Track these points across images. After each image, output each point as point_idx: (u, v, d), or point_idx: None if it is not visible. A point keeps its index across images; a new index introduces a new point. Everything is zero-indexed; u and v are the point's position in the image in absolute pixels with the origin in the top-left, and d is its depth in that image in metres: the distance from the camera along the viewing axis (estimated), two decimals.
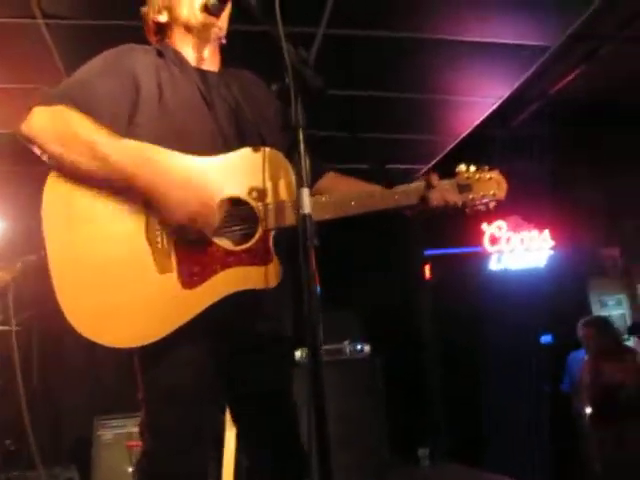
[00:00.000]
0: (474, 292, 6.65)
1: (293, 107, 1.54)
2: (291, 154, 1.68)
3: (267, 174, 1.75)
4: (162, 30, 2.01)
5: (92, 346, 1.57)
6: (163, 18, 1.98)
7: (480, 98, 4.96)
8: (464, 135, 5.54)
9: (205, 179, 1.69)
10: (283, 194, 1.74)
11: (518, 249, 7.08)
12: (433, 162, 6.08)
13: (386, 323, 5.97)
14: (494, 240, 7.06)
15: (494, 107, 5.09)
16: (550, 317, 6.55)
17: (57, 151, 1.63)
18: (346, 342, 5.07)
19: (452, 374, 6.29)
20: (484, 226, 7.02)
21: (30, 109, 1.67)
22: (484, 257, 7.12)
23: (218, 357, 1.73)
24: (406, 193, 1.90)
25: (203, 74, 1.93)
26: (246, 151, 1.77)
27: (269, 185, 1.75)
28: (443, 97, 4.94)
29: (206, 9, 1.90)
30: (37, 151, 1.67)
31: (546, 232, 7.13)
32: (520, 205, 6.71)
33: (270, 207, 1.73)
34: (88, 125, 1.65)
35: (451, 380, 6.28)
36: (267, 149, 1.79)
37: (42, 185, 1.67)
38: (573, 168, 6.51)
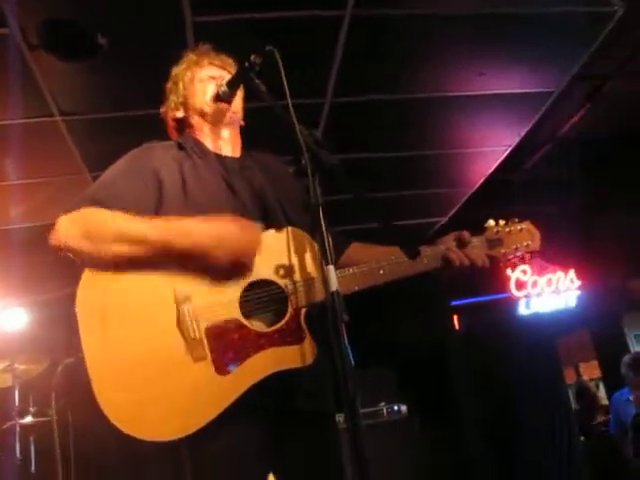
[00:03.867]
0: (505, 339, 6.56)
1: (311, 187, 1.58)
2: (313, 232, 1.71)
3: (292, 252, 1.76)
4: (182, 125, 2.07)
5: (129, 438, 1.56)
6: (180, 114, 2.05)
7: (491, 148, 5.04)
8: (479, 185, 5.59)
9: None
10: (310, 271, 1.73)
11: (546, 291, 7.00)
12: (450, 213, 6.11)
13: (419, 379, 5.90)
14: (520, 285, 7.00)
15: (505, 154, 5.15)
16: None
17: (89, 248, 1.66)
18: (382, 404, 5.00)
19: (490, 427, 6.14)
20: (508, 271, 6.97)
21: (56, 221, 1.72)
22: (512, 303, 7.04)
23: (261, 439, 1.70)
24: (434, 256, 1.88)
25: (224, 160, 1.96)
26: (270, 232, 1.79)
27: (295, 263, 1.75)
28: (456, 151, 5.04)
29: (218, 98, 1.97)
30: (72, 256, 1.69)
31: (571, 272, 7.06)
32: (542, 247, 6.67)
33: (298, 285, 1.73)
34: (112, 214, 1.69)
35: (490, 433, 6.13)
36: (290, 228, 1.80)
37: (59, 277, 1.71)
38: (592, 205, 6.50)
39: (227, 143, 2.02)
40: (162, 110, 2.11)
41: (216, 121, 2.00)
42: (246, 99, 2.08)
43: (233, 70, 2.02)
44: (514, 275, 6.97)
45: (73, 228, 1.69)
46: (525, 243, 1.93)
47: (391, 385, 5.37)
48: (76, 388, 3.97)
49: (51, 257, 1.77)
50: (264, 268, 1.74)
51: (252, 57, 1.76)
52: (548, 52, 3.88)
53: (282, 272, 1.74)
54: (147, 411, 1.58)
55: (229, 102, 1.98)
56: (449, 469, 5.61)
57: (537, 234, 1.97)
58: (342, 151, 4.63)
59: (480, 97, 4.27)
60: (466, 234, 1.90)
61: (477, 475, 6.09)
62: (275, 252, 1.76)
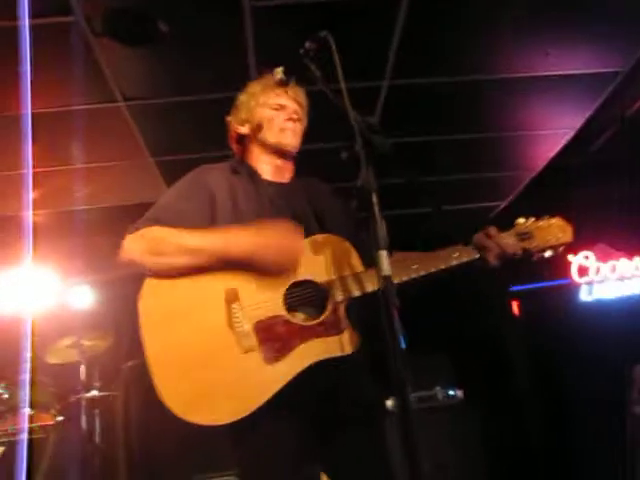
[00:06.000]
0: (566, 325, 6.41)
1: (364, 173, 1.59)
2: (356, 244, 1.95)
3: (332, 255, 1.94)
4: (243, 140, 2.22)
5: None
6: (244, 130, 2.19)
7: (554, 130, 4.92)
8: (541, 168, 5.47)
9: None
10: (348, 270, 1.91)
11: (609, 278, 6.80)
12: (510, 198, 6.01)
13: (477, 365, 5.84)
14: (582, 271, 6.81)
15: (570, 137, 5.02)
16: None
17: (153, 261, 1.85)
18: (437, 388, 4.99)
19: (551, 416, 6.04)
20: (570, 257, 6.80)
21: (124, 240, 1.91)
22: (573, 289, 6.86)
23: (303, 435, 1.81)
24: (465, 250, 2.02)
25: (274, 187, 2.12)
26: (311, 238, 1.96)
27: (334, 264, 1.92)
28: (518, 133, 4.95)
29: (284, 129, 2.12)
30: (140, 269, 1.88)
31: (637, 258, 6.83)
32: (606, 232, 6.49)
33: (337, 282, 1.89)
34: (170, 230, 1.88)
35: (549, 422, 6.03)
36: (329, 235, 1.98)
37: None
38: None
39: (279, 172, 2.17)
40: (228, 119, 2.25)
41: (276, 152, 2.15)
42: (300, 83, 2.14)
43: (304, 102, 2.18)
44: (576, 261, 6.80)
45: (135, 245, 1.88)
46: (557, 236, 2.04)
47: (448, 370, 5.34)
48: (139, 389, 4.17)
49: (114, 239, 1.91)
50: (306, 269, 1.91)
51: (307, 44, 1.79)
52: (614, 31, 3.73)
53: (322, 272, 1.91)
54: (202, 399, 1.74)
55: (286, 87, 2.07)
56: (504, 457, 5.55)
57: (568, 228, 2.06)
58: (400, 135, 4.61)
59: (544, 78, 4.15)
60: (494, 229, 2.03)
61: (532, 465, 6.01)
62: (316, 255, 1.94)
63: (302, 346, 1.81)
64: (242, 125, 2.19)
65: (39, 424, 4.12)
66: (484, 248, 2.00)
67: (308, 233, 1.98)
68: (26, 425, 4.02)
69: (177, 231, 1.88)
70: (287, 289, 1.87)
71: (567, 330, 6.32)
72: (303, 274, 1.90)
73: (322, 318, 1.85)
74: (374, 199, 1.58)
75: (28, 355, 4.04)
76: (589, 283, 6.80)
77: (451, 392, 4.94)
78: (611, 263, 6.80)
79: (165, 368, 1.76)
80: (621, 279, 6.79)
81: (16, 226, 5.07)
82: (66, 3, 3.06)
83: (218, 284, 1.85)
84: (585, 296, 6.85)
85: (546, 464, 6.04)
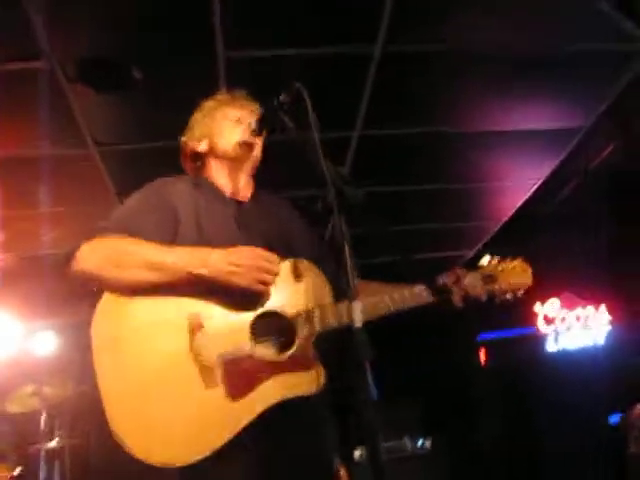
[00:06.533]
0: (533, 374, 6.46)
1: (337, 224, 1.60)
2: (320, 265, 1.88)
3: (302, 283, 1.85)
4: (198, 158, 2.13)
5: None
6: (202, 147, 2.10)
7: (520, 182, 5.04)
8: (507, 219, 5.58)
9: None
10: (318, 301, 1.82)
11: (575, 327, 6.88)
12: (478, 247, 6.09)
13: (444, 413, 5.83)
14: (549, 320, 6.89)
15: (534, 189, 5.14)
16: (616, 396, 6.27)
17: (112, 274, 1.70)
18: (406, 437, 4.95)
19: (518, 463, 6.02)
20: (537, 306, 6.89)
21: (77, 250, 1.75)
22: (540, 338, 6.94)
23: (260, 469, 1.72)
24: (435, 289, 2.00)
25: (237, 203, 2.04)
26: (284, 265, 1.85)
27: (304, 294, 1.83)
28: (484, 184, 5.06)
29: (244, 143, 2.03)
30: (94, 283, 1.74)
31: (602, 307, 6.94)
32: (572, 282, 6.60)
33: (306, 314, 1.80)
34: (134, 242, 1.74)
35: (519, 470, 6.00)
36: (299, 260, 1.88)
37: (86, 302, 1.74)
38: (624, 239, 6.40)
39: (241, 187, 2.09)
40: (183, 139, 2.16)
41: (236, 165, 2.07)
42: (269, 133, 2.09)
43: (260, 115, 2.05)
44: (542, 310, 6.88)
45: (94, 254, 1.74)
46: (517, 279, 2.06)
47: (415, 419, 5.31)
48: (92, 415, 4.02)
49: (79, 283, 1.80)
50: (276, 297, 1.81)
51: (281, 95, 1.81)
52: (577, 89, 3.88)
53: (291, 302, 1.82)
54: (158, 437, 1.61)
55: (251, 147, 2.05)
56: None
57: (529, 270, 2.09)
58: (370, 184, 4.66)
59: (508, 133, 4.28)
60: (460, 269, 2.05)
61: None
62: (284, 284, 1.83)
63: (269, 382, 1.72)
64: (199, 141, 2.10)
65: None
66: (449, 291, 1.99)
67: (279, 256, 1.89)
68: None
69: (140, 243, 1.74)
70: (254, 319, 1.77)
71: (534, 379, 6.37)
72: (272, 302, 1.80)
73: (290, 352, 1.76)
74: (346, 249, 1.58)
75: None
76: (555, 332, 6.88)
77: (420, 441, 4.90)
78: (577, 311, 6.90)
79: (119, 399, 1.62)
80: (586, 328, 6.89)
81: None
82: (37, 48, 3.06)
83: (181, 307, 1.72)
84: (551, 346, 6.92)
85: None
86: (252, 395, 1.69)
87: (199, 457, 1.60)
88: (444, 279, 2.02)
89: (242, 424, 1.65)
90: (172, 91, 3.43)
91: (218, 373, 1.68)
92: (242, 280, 1.72)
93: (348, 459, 4.60)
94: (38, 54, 3.10)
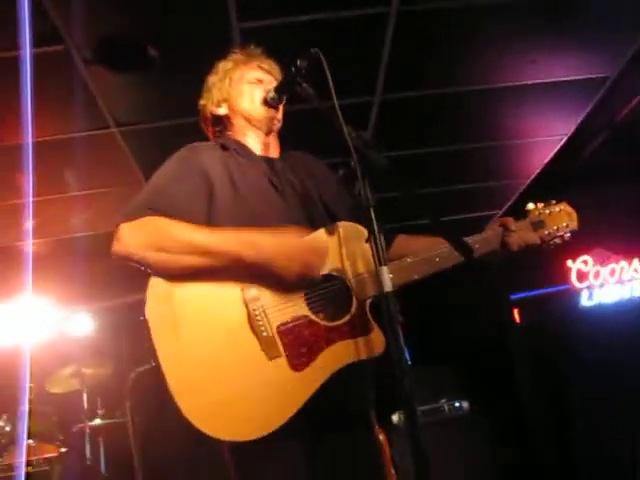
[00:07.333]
0: (568, 331, 6.40)
1: (362, 188, 1.58)
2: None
3: (349, 247, 1.80)
4: (220, 122, 2.08)
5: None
6: (222, 111, 2.06)
7: (546, 137, 4.94)
8: (534, 176, 5.49)
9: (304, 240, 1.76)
10: (370, 263, 1.71)
11: (609, 282, 6.80)
12: (507, 206, 6.02)
13: (481, 374, 5.82)
14: (582, 276, 6.81)
15: (562, 144, 5.04)
16: None
17: (158, 258, 1.66)
18: (443, 400, 4.96)
19: (556, 422, 6.01)
20: (569, 263, 6.80)
21: (116, 229, 1.72)
22: (573, 294, 6.86)
23: (317, 442, 1.71)
24: (486, 241, 1.97)
25: (268, 161, 1.99)
26: (321, 232, 1.81)
27: (354, 257, 1.79)
28: (510, 142, 4.97)
29: (266, 103, 1.99)
30: (136, 265, 1.70)
31: (635, 261, 6.83)
32: (604, 237, 6.49)
33: (360, 277, 1.77)
34: (178, 225, 1.69)
35: (556, 429, 6.00)
36: (343, 223, 1.84)
37: (121, 285, 1.72)
38: None
39: (268, 147, 2.04)
40: (201, 103, 2.11)
41: (261, 126, 2.03)
42: (292, 102, 2.05)
43: (279, 76, 2.04)
44: (575, 266, 6.80)
45: (138, 237, 1.69)
46: (565, 223, 2.04)
47: (452, 382, 5.32)
48: (150, 395, 4.09)
49: (112, 265, 1.77)
50: (325, 265, 1.77)
51: (298, 62, 1.78)
52: (601, 36, 3.76)
53: (342, 267, 1.79)
54: (227, 412, 1.59)
55: (276, 108, 2.01)
56: (512, 468, 5.52)
57: (574, 213, 2.07)
58: (394, 148, 4.62)
59: (533, 86, 4.17)
60: (510, 219, 2.01)
61: (540, 475, 5.97)
62: (333, 249, 1.80)
63: (330, 349, 1.69)
64: (219, 106, 2.05)
65: (43, 456, 4.06)
66: (509, 243, 1.97)
67: (313, 211, 1.89)
68: (23, 459, 3.95)
69: (185, 226, 1.69)
70: (307, 287, 1.73)
71: (571, 335, 6.31)
72: (324, 268, 1.76)
73: (348, 317, 1.73)
74: (372, 214, 1.57)
75: (28, 386, 4.01)
76: (589, 288, 6.80)
77: (457, 404, 4.91)
78: (610, 267, 6.81)
79: (183, 376, 1.58)
80: (621, 282, 6.79)
81: (14, 256, 5.07)
82: (56, 32, 3.06)
83: (233, 284, 1.68)
84: (586, 301, 6.84)
85: (552, 472, 6.01)
86: (314, 364, 1.66)
87: (269, 430, 1.58)
88: (494, 230, 1.99)
89: (307, 395, 1.63)
90: (189, 67, 3.41)
91: (279, 343, 1.66)
92: (294, 267, 1.69)
93: (387, 423, 4.64)
94: (57, 38, 3.10)
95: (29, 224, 4.76)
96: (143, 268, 1.69)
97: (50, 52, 3.18)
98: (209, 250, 1.67)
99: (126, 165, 4.35)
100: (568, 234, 2.04)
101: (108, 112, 3.77)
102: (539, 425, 6.21)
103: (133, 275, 1.76)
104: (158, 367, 1.58)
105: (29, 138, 3.33)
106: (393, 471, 3.51)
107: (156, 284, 1.66)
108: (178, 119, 3.84)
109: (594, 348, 6.08)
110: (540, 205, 2.07)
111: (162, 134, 3.97)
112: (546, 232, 2.02)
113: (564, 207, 2.06)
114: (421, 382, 5.05)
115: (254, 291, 1.69)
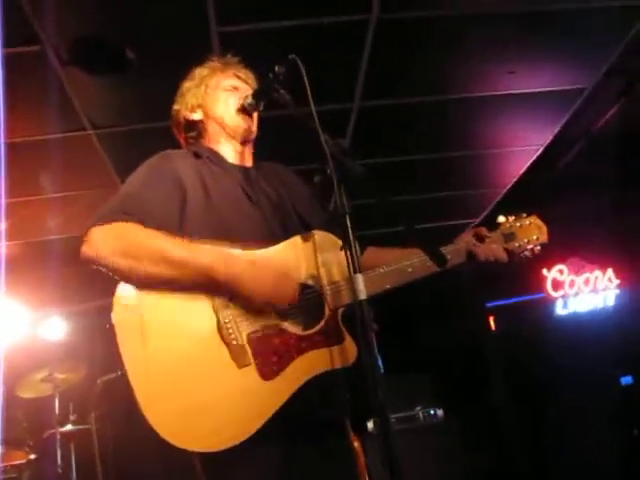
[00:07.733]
0: (543, 339, 6.47)
1: (337, 196, 1.58)
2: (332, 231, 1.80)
3: (324, 255, 1.79)
4: (193, 128, 2.06)
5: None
6: (197, 116, 2.04)
7: (522, 147, 4.99)
8: (511, 185, 5.54)
9: (276, 264, 1.73)
10: (343, 272, 1.73)
11: (583, 291, 6.88)
12: (483, 215, 6.06)
13: (457, 381, 5.85)
14: (557, 285, 6.89)
15: (538, 154, 5.09)
16: (627, 358, 6.28)
17: (126, 265, 1.62)
18: (418, 408, 4.97)
19: (531, 429, 6.06)
20: (545, 272, 6.88)
21: (87, 232, 1.68)
22: (549, 303, 6.94)
23: (290, 450, 1.68)
24: (458, 252, 1.98)
25: (241, 170, 1.98)
26: (297, 239, 1.81)
27: (327, 265, 1.78)
28: (487, 151, 5.00)
29: (242, 109, 1.98)
30: (104, 269, 1.66)
31: (610, 271, 6.92)
32: (579, 246, 6.57)
33: (334, 286, 1.76)
34: (151, 234, 1.66)
35: (531, 436, 6.04)
36: (317, 232, 1.83)
37: (95, 288, 1.68)
38: (629, 202, 6.36)
39: (242, 156, 2.03)
40: (175, 107, 2.09)
41: (235, 135, 2.01)
42: (269, 108, 2.03)
43: (255, 86, 2.03)
44: (550, 275, 6.87)
45: (107, 242, 1.65)
46: (535, 236, 2.06)
47: (428, 389, 5.33)
48: (117, 403, 4.04)
49: (87, 268, 1.75)
50: (297, 273, 1.76)
51: (276, 68, 1.77)
52: (579, 49, 3.82)
53: (315, 275, 1.78)
54: (195, 422, 1.56)
55: (251, 115, 2.00)
56: (486, 474, 5.55)
57: (544, 227, 2.09)
58: (371, 155, 4.63)
59: (510, 96, 4.22)
60: (484, 230, 2.03)
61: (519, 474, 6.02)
62: (305, 257, 1.79)
63: (300, 358, 1.67)
64: (193, 111, 2.03)
65: (11, 463, 3.99)
66: (478, 254, 1.97)
67: (287, 220, 1.88)
68: None
69: (157, 235, 1.66)
70: None
71: (545, 343, 6.38)
72: (298, 277, 1.74)
73: (320, 326, 1.72)
74: (347, 222, 1.57)
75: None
76: (564, 297, 6.88)
77: (432, 411, 4.92)
78: (584, 276, 6.89)
79: (150, 386, 1.54)
80: (595, 291, 6.88)
81: None
82: (33, 32, 3.02)
83: (202, 292, 1.66)
84: (560, 309, 6.92)
85: (526, 478, 6.06)
86: (284, 374, 1.64)
87: (238, 441, 1.55)
88: (466, 240, 2.00)
89: (278, 405, 1.61)
90: (167, 70, 3.38)
91: (249, 352, 1.63)
92: (261, 298, 1.66)
93: (362, 430, 4.63)
94: (34, 38, 3.06)
95: (2, 226, 4.69)
96: (110, 274, 1.65)
97: (26, 52, 3.15)
98: (181, 262, 1.63)
99: (102, 168, 4.31)
100: (538, 247, 2.06)
101: (84, 114, 3.73)
102: (514, 432, 6.26)
103: (107, 278, 1.71)
104: (125, 375, 1.55)
105: (2, 139, 3.28)
106: (367, 479, 3.50)
107: (124, 290, 1.63)
108: (155, 122, 3.80)
109: (568, 356, 6.15)
110: (511, 218, 2.09)
111: (138, 137, 3.94)
112: (516, 244, 2.03)
113: (534, 220, 2.09)
114: (397, 390, 5.09)
115: (224, 299, 1.66)
